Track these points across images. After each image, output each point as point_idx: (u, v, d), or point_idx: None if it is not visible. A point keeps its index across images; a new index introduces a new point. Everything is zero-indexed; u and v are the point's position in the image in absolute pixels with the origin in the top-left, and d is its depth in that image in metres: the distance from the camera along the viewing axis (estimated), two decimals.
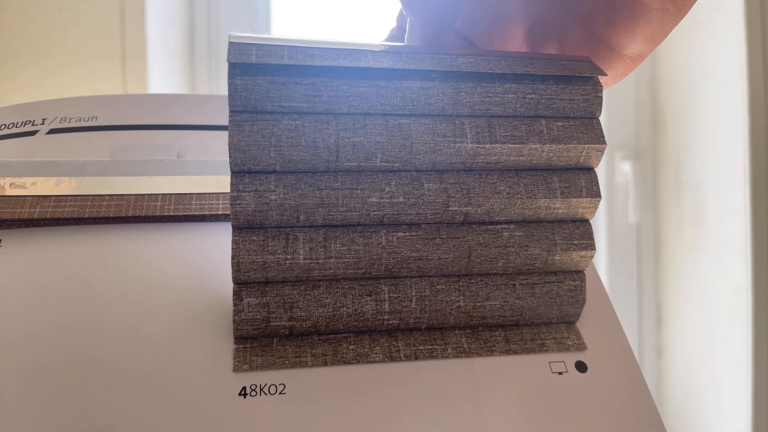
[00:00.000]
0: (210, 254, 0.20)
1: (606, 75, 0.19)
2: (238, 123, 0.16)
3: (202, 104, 0.26)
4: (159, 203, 0.21)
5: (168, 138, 0.24)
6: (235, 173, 0.17)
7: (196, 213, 0.21)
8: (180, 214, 0.21)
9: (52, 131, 0.24)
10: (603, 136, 0.18)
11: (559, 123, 0.18)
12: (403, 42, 0.22)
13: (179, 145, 0.24)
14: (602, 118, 0.88)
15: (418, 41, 0.20)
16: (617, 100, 0.88)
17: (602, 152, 0.18)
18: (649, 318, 0.89)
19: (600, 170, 0.89)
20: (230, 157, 0.16)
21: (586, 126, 0.18)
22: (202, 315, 0.18)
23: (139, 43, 0.69)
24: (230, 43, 0.16)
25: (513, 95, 0.18)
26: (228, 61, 0.16)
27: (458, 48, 0.23)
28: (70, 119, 0.25)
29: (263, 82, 0.16)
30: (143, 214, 0.21)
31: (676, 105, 0.83)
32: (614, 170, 0.89)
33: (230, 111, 0.16)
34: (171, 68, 0.76)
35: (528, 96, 0.18)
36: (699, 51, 0.77)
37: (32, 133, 0.24)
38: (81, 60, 0.69)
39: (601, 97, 0.18)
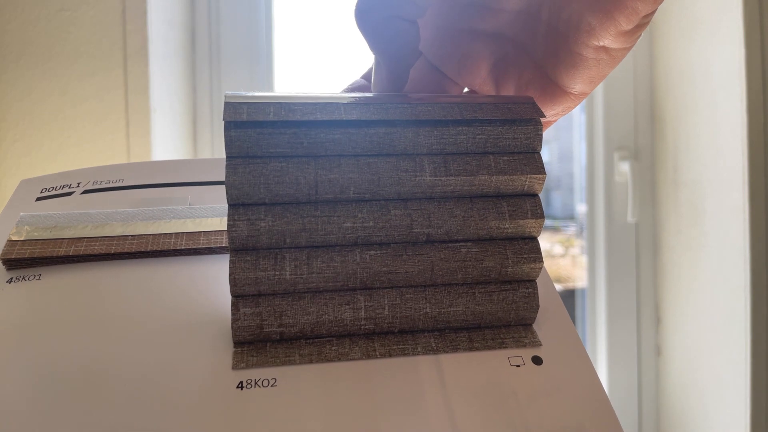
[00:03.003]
0: (214, 279, 0.24)
1: (545, 117, 0.22)
2: (233, 166, 0.20)
3: (209, 166, 0.31)
4: (173, 240, 0.25)
5: (182, 192, 0.29)
6: (231, 206, 0.20)
7: (204, 246, 0.25)
8: (191, 247, 0.25)
9: (85, 192, 0.29)
10: (543, 168, 0.21)
11: (505, 158, 0.21)
12: (370, 85, 0.26)
13: (190, 197, 0.29)
14: (601, 119, 0.89)
15: (384, 76, 0.23)
16: (616, 101, 0.88)
17: (543, 181, 0.21)
18: (648, 317, 0.89)
19: (599, 170, 0.89)
20: (227, 193, 0.20)
21: (528, 159, 0.22)
22: (207, 326, 0.22)
23: (141, 44, 0.69)
24: (225, 103, 0.20)
25: (464, 136, 0.21)
26: (223, 119, 0.19)
27: (424, 81, 0.27)
28: (101, 182, 0.30)
29: (253, 133, 0.20)
30: (160, 249, 0.25)
31: (674, 105, 0.83)
32: (613, 170, 0.89)
33: (226, 157, 0.20)
34: (172, 69, 0.76)
35: (478, 136, 0.21)
36: (697, 51, 0.78)
37: (69, 194, 0.29)
38: (82, 60, 0.69)
39: (541, 135, 0.22)
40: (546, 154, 1.17)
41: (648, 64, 0.88)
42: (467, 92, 0.27)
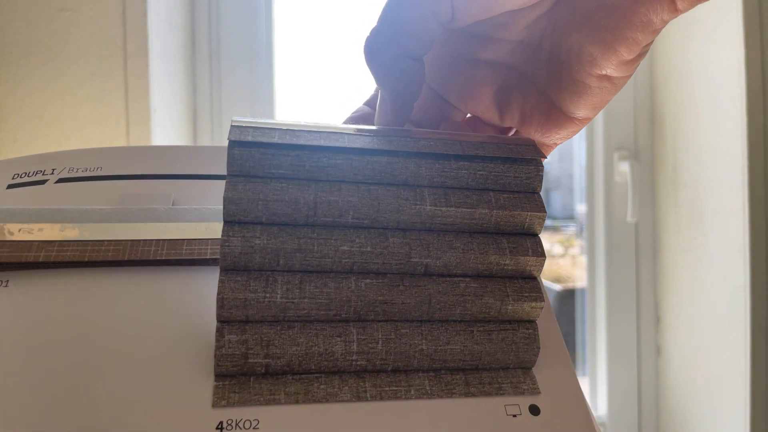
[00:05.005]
0: (196, 296, 0.22)
1: (545, 157, 0.22)
2: (233, 183, 0.19)
3: (197, 155, 0.29)
4: (153, 248, 0.23)
5: (164, 187, 0.27)
6: (227, 223, 0.19)
7: (186, 258, 0.23)
8: (172, 258, 0.23)
9: (60, 180, 0.27)
10: (543, 207, 0.21)
11: (505, 195, 0.21)
12: (374, 107, 0.26)
13: (174, 194, 0.27)
14: (601, 119, 0.89)
15: (389, 109, 0.23)
16: (616, 101, 0.88)
17: (543, 220, 0.21)
18: (648, 317, 0.89)
19: (598, 170, 0.90)
20: (224, 208, 0.19)
21: (528, 199, 0.21)
22: (187, 353, 0.20)
23: (141, 44, 0.69)
24: (232, 126, 0.20)
25: (466, 171, 0.21)
26: (228, 139, 0.19)
27: (427, 108, 0.27)
28: (77, 170, 0.27)
29: (257, 153, 0.20)
30: (138, 258, 0.23)
31: (674, 105, 0.83)
32: (613, 170, 0.89)
33: (228, 175, 0.20)
34: (172, 69, 0.76)
35: (479, 172, 0.21)
36: (697, 52, 0.78)
37: (42, 182, 0.26)
38: (82, 61, 0.69)
39: (542, 175, 0.22)
40: None
41: (648, 64, 0.88)
42: (470, 119, 0.27)
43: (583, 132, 0.93)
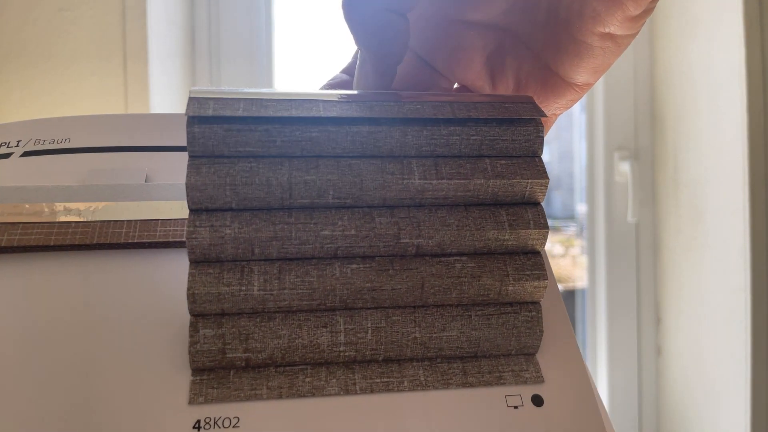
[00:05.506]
0: (173, 282, 0.20)
1: (545, 116, 0.20)
2: (195, 166, 0.17)
3: (173, 124, 0.26)
4: (124, 230, 0.21)
5: (137, 161, 0.25)
6: (192, 211, 0.18)
7: (161, 240, 0.21)
8: (144, 241, 0.21)
9: (25, 154, 0.25)
10: (545, 172, 0.19)
11: (503, 161, 0.19)
12: (353, 76, 0.24)
13: (148, 168, 0.24)
14: (601, 118, 0.88)
15: (369, 73, 0.21)
16: (616, 101, 0.88)
17: (546, 186, 0.19)
18: (648, 317, 0.89)
19: (599, 170, 0.89)
20: (188, 196, 0.17)
21: (529, 164, 0.19)
22: (161, 346, 0.18)
23: (140, 44, 0.69)
24: (190, 98, 0.18)
25: (457, 137, 0.19)
26: (186, 114, 0.17)
27: (412, 77, 0.24)
28: (44, 141, 0.25)
29: (220, 130, 0.17)
30: (108, 241, 0.21)
31: (674, 105, 0.83)
32: (613, 170, 0.89)
33: (189, 156, 0.18)
34: (172, 69, 0.76)
35: (472, 137, 0.19)
36: (697, 51, 0.78)
37: (7, 156, 0.24)
38: (82, 60, 0.69)
39: (542, 137, 0.20)
40: (546, 154, 1.17)
41: (648, 64, 0.88)
42: (458, 88, 0.25)
43: (583, 132, 0.93)
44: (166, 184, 0.23)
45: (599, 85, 0.88)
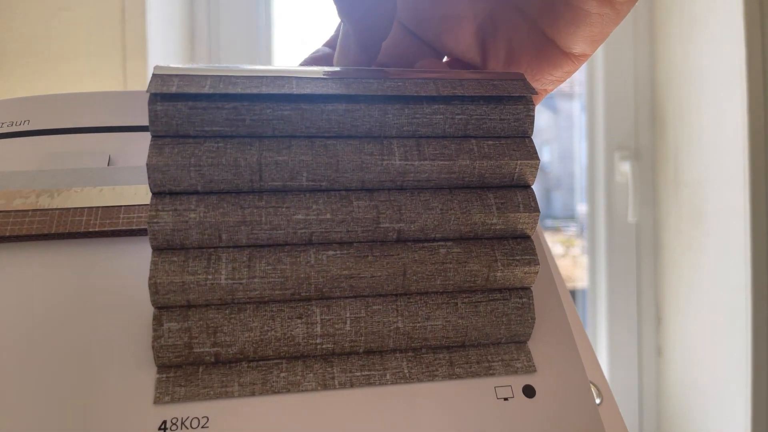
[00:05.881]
0: (137, 272, 0.19)
1: (536, 93, 0.19)
2: (158, 146, 0.16)
3: (139, 102, 0.25)
4: (84, 218, 0.20)
5: (101, 142, 0.23)
6: (155, 195, 0.16)
7: (124, 228, 0.20)
8: (107, 229, 0.20)
9: None
10: (536, 153, 0.18)
11: (490, 142, 0.18)
12: (335, 52, 0.22)
13: (111, 151, 0.23)
14: (602, 118, 0.88)
15: (351, 46, 0.20)
16: (617, 100, 0.88)
17: (536, 168, 0.18)
18: (649, 317, 0.89)
19: (599, 170, 0.89)
20: (149, 178, 0.16)
21: (518, 144, 0.18)
22: (125, 340, 0.17)
23: (140, 44, 0.69)
24: (153, 75, 0.17)
25: (441, 116, 0.18)
26: (148, 91, 0.16)
27: (397, 49, 0.23)
28: (3, 124, 0.24)
29: (184, 107, 0.16)
30: (68, 230, 0.19)
31: (675, 105, 0.83)
32: (614, 170, 0.89)
33: (152, 136, 0.16)
34: None
35: (457, 116, 0.18)
36: (698, 51, 0.78)
37: None
38: (81, 60, 0.69)
39: (533, 116, 0.18)
40: (547, 154, 1.17)
41: (649, 64, 0.88)
42: (448, 62, 0.24)
43: (584, 132, 0.93)
44: (131, 167, 0.22)
45: (600, 85, 0.88)
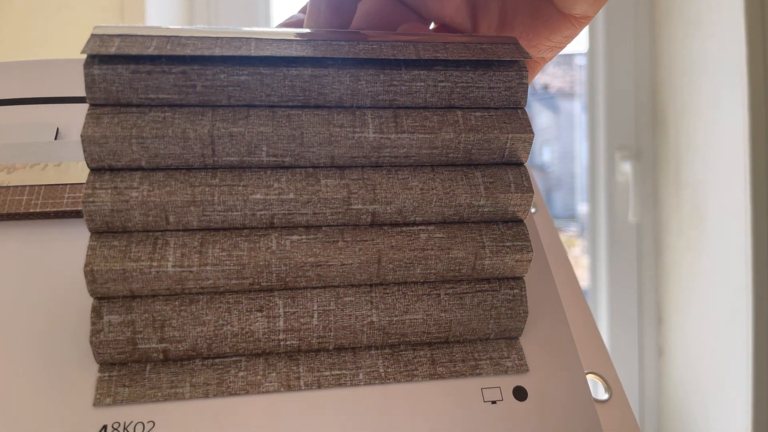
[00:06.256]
0: (81, 258, 0.17)
1: (529, 57, 0.16)
2: (96, 116, 0.14)
3: None
4: (25, 197, 0.18)
5: (50, 114, 0.21)
6: (93, 171, 0.15)
7: (69, 209, 0.18)
8: (49, 210, 0.18)
9: None
10: (529, 126, 0.16)
11: (478, 113, 0.16)
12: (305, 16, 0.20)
13: (60, 123, 0.21)
14: (602, 118, 0.88)
15: (323, 7, 0.18)
16: (618, 100, 0.88)
17: (530, 143, 0.16)
18: (650, 318, 0.89)
19: (600, 170, 0.89)
20: (84, 151, 0.14)
21: (510, 116, 0.16)
22: (65, 334, 0.15)
23: None
24: (91, 35, 0.15)
25: (422, 83, 0.16)
26: (83, 52, 0.14)
27: (378, 14, 0.21)
28: None
29: (125, 71, 0.14)
30: (6, 212, 0.18)
31: (676, 105, 0.83)
32: (614, 170, 0.89)
33: (89, 105, 0.15)
34: None
35: (440, 84, 0.16)
36: (699, 50, 0.77)
37: None
38: (81, 59, 0.69)
39: (526, 83, 0.16)
40: (547, 154, 1.16)
41: (650, 63, 0.88)
42: (435, 29, 0.22)
43: (584, 131, 0.93)
44: (79, 141, 0.20)
45: (600, 85, 0.88)
